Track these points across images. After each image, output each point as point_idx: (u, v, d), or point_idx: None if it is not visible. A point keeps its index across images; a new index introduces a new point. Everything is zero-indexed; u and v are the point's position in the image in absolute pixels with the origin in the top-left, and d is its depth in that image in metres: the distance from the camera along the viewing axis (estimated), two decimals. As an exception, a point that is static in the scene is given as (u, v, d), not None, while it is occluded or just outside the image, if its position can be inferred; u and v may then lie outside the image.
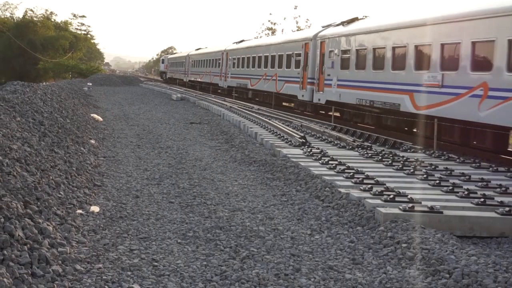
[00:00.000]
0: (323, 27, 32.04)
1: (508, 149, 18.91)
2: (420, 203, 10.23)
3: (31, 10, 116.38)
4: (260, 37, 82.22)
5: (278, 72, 36.90)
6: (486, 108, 16.75)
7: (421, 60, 20.60)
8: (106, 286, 6.60)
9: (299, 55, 33.33)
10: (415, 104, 20.66)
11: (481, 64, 17.46)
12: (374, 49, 24.15)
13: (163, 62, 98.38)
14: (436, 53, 19.52)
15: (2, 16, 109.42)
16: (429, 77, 19.75)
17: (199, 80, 62.73)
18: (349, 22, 28.23)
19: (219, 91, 53.33)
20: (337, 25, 29.57)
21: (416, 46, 20.90)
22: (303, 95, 32.62)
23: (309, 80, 31.55)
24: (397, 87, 21.99)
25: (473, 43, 17.62)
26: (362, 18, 28.29)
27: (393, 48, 22.57)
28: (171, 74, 78.05)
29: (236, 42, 51.99)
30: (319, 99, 30.07)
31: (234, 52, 49.19)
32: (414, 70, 20.89)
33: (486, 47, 17.25)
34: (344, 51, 26.95)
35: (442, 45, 19.23)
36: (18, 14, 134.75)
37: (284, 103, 40.56)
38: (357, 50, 25.60)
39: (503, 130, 16.98)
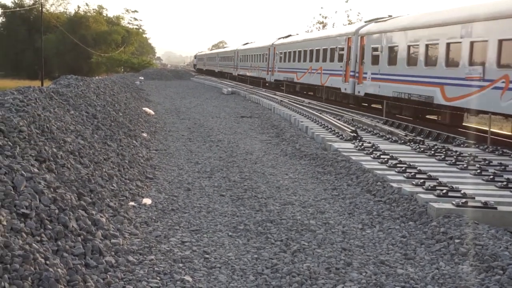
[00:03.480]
0: None
1: None
2: (474, 198, 10.07)
3: (87, 4, 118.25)
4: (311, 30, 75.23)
5: None
6: None
7: None
8: (158, 278, 6.66)
9: None
10: None
11: None
12: None
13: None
14: None
15: (56, 11, 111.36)
16: None
17: (296, 80, 43.75)
18: None
19: (330, 97, 37.03)
20: None
21: None
22: None
23: None
24: None
25: None
26: None
27: None
28: (243, 71, 72.50)
29: (375, 20, 31.28)
30: None
31: (380, 35, 28.14)
32: None
33: None
34: None
35: None
36: (71, 9, 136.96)
37: None
38: None
39: None
